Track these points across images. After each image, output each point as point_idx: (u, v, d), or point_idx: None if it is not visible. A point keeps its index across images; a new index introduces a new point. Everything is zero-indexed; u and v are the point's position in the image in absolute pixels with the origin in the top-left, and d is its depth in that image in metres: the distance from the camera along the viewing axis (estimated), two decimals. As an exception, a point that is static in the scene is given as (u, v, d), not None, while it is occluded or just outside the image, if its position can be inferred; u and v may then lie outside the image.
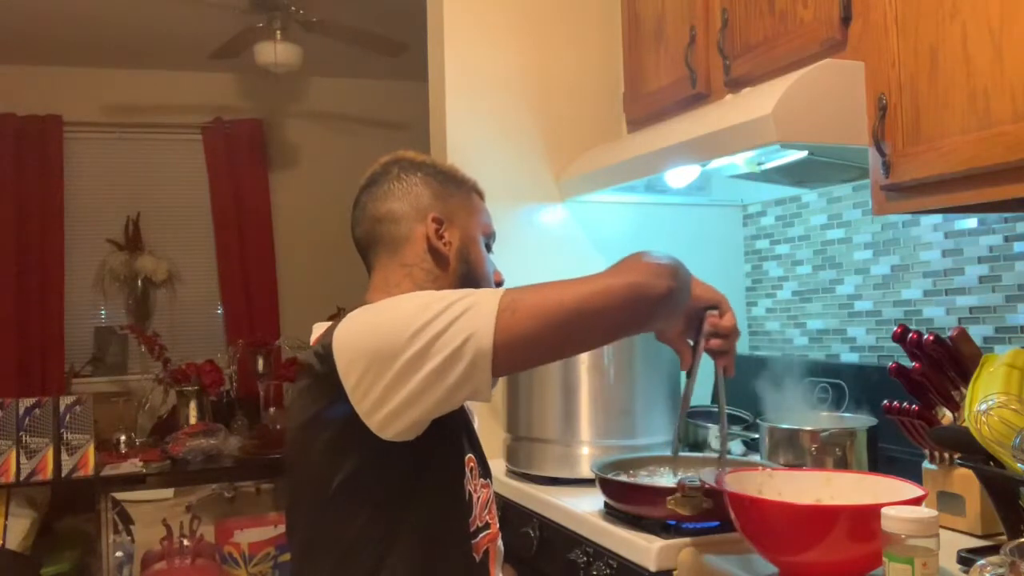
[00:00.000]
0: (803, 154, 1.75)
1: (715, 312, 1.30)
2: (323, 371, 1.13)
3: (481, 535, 1.26)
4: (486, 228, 1.38)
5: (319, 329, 1.26)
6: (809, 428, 1.77)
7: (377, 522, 1.15)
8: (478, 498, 1.26)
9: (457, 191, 1.36)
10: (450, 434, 1.22)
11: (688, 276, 1.23)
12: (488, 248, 1.39)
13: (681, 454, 1.79)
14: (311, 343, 1.24)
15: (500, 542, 1.35)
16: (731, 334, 1.31)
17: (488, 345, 1.06)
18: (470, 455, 1.28)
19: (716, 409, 2.20)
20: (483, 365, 1.07)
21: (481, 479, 1.29)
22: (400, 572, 1.15)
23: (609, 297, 1.11)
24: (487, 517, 1.29)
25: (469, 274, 1.32)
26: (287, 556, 3.03)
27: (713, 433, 2.12)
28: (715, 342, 1.30)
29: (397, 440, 1.12)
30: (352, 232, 1.36)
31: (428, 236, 1.30)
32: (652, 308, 1.15)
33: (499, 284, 1.38)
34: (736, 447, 2.10)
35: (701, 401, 2.31)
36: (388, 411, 1.09)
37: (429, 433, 1.14)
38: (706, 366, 1.33)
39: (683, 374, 1.35)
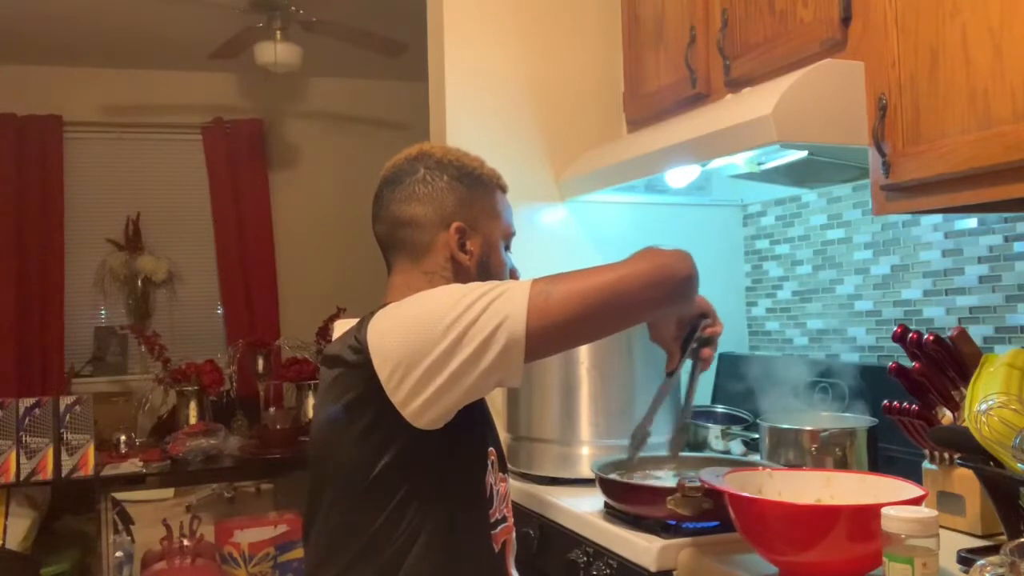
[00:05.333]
0: (803, 154, 1.75)
1: (708, 321, 1.35)
2: (357, 361, 1.15)
3: (499, 527, 1.28)
4: (507, 230, 1.38)
5: (342, 327, 1.28)
6: (809, 428, 1.77)
7: (402, 513, 1.17)
8: (497, 491, 1.28)
9: (483, 194, 1.35)
10: (474, 427, 1.24)
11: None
12: (507, 247, 1.39)
13: (681, 454, 1.79)
14: (334, 340, 1.27)
15: (515, 535, 1.37)
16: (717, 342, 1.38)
17: (521, 331, 1.09)
18: (491, 448, 1.30)
19: (713, 409, 2.23)
20: (515, 350, 1.10)
21: (500, 472, 1.31)
22: (425, 562, 1.17)
23: (640, 279, 1.17)
24: (504, 510, 1.31)
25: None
26: (287, 556, 3.03)
27: (714, 433, 2.12)
28: (707, 351, 1.36)
29: (429, 428, 1.14)
30: (373, 226, 1.37)
31: (450, 246, 1.30)
32: (679, 287, 1.22)
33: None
34: (736, 447, 2.10)
35: (701, 401, 2.31)
36: (423, 400, 1.12)
37: (455, 425, 1.16)
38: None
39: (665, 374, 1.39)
